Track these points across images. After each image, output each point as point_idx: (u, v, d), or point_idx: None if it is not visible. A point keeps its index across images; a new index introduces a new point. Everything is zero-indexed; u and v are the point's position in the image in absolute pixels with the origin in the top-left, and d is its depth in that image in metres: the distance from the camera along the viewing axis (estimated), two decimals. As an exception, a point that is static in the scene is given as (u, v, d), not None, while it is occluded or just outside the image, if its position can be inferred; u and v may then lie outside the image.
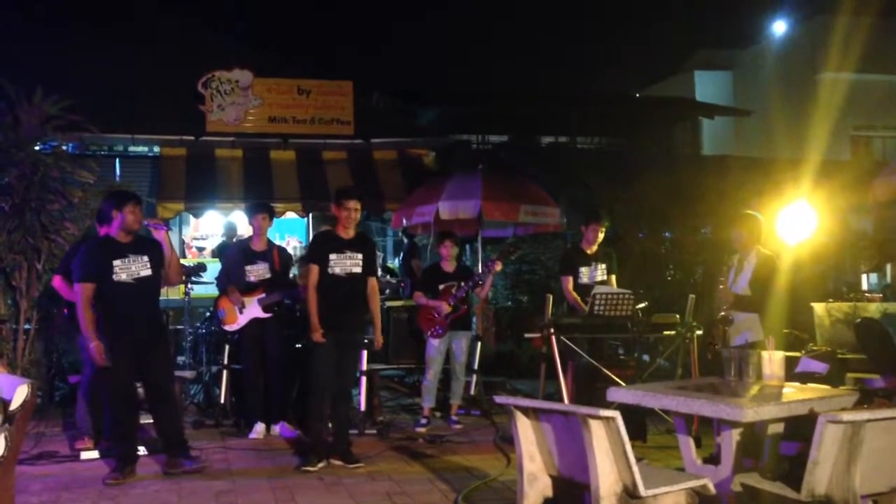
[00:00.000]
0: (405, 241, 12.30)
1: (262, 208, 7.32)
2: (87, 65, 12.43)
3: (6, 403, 4.19)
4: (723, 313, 6.00)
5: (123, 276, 5.71)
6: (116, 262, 5.69)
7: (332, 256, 6.07)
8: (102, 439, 6.41)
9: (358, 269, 6.14)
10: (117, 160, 12.62)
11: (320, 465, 5.92)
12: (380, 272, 11.83)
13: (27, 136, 7.57)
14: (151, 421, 6.09)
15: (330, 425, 6.18)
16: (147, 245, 5.89)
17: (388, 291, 9.35)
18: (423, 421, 7.35)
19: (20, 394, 4.23)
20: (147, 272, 5.80)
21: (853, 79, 18.22)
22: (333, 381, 6.07)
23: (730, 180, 10.77)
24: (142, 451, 6.09)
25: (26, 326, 7.55)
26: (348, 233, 6.17)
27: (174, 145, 12.69)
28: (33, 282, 7.48)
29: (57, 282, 6.51)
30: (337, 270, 6.07)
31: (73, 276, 5.80)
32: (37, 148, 7.71)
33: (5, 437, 4.15)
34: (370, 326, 6.52)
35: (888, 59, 18.77)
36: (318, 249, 6.19)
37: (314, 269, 6.07)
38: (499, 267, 7.52)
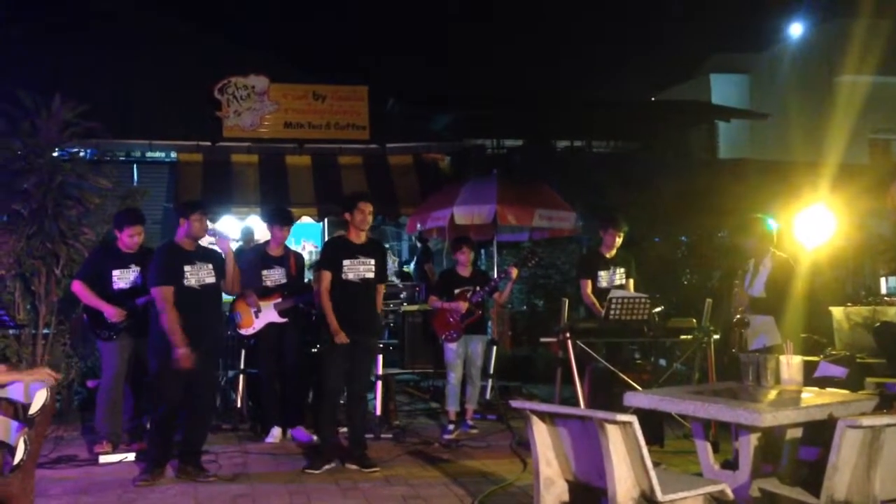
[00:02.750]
0: (418, 245, 12.32)
1: (285, 221, 7.24)
2: (104, 72, 12.56)
3: (26, 407, 4.23)
4: (738, 316, 5.98)
5: (192, 282, 5.79)
6: (186, 268, 5.78)
7: (346, 262, 6.07)
8: (122, 443, 6.45)
9: (371, 275, 6.13)
10: (135, 166, 12.72)
11: (326, 467, 5.95)
12: (395, 278, 11.98)
13: (45, 142, 7.63)
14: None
15: (345, 429, 6.18)
16: (210, 253, 5.99)
17: (403, 296, 9.35)
18: (450, 427, 7.29)
19: (39, 398, 4.27)
20: (211, 279, 5.89)
21: (871, 81, 18.07)
22: (345, 385, 6.07)
23: (746, 184, 10.71)
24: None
25: (45, 331, 7.61)
26: (360, 238, 6.17)
27: (191, 151, 12.77)
28: (52, 287, 7.53)
29: (76, 287, 6.55)
30: (350, 276, 6.07)
31: (150, 282, 5.82)
32: (55, 154, 7.76)
33: (25, 441, 4.19)
34: (385, 331, 6.51)
35: (906, 62, 18.61)
36: (331, 256, 6.18)
37: (326, 276, 6.07)
38: (515, 273, 7.48)
